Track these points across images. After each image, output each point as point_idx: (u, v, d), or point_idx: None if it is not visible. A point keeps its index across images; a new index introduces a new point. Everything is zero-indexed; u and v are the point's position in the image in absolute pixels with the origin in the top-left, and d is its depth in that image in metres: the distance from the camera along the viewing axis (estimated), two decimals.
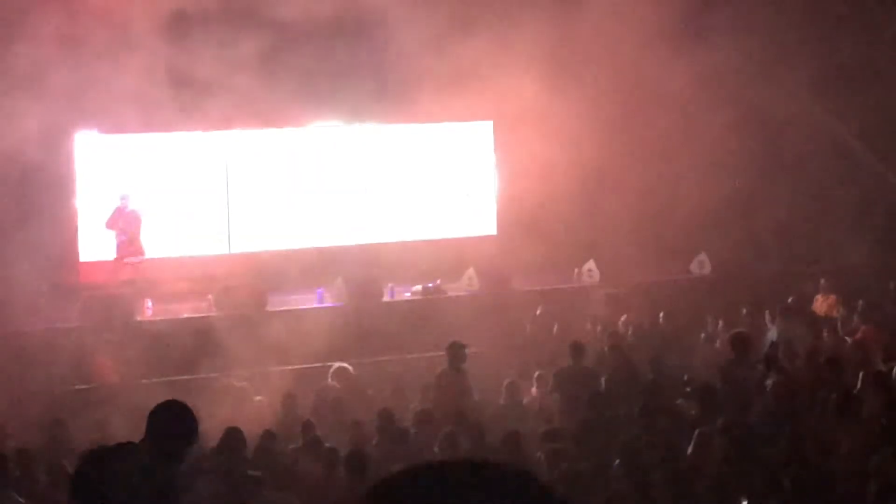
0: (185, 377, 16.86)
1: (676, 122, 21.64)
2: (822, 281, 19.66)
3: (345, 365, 15.66)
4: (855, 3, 23.68)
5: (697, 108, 21.19)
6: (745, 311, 17.90)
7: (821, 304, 19.24)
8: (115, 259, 19.65)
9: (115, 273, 19.79)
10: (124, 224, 19.58)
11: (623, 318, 17.97)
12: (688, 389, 13.45)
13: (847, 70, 22.99)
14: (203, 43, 19.04)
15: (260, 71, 19.62)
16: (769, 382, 12.39)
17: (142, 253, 19.79)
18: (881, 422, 11.13)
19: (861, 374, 12.39)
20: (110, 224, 19.67)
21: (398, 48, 20.71)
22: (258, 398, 14.91)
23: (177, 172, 21.73)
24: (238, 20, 19.65)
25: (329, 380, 15.29)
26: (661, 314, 17.88)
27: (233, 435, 10.96)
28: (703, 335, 17.22)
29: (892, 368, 12.88)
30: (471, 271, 20.98)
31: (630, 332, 17.25)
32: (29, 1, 18.61)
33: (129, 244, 19.56)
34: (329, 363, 16.06)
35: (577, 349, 14.67)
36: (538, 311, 18.93)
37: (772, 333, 16.36)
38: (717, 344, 16.46)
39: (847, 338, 16.28)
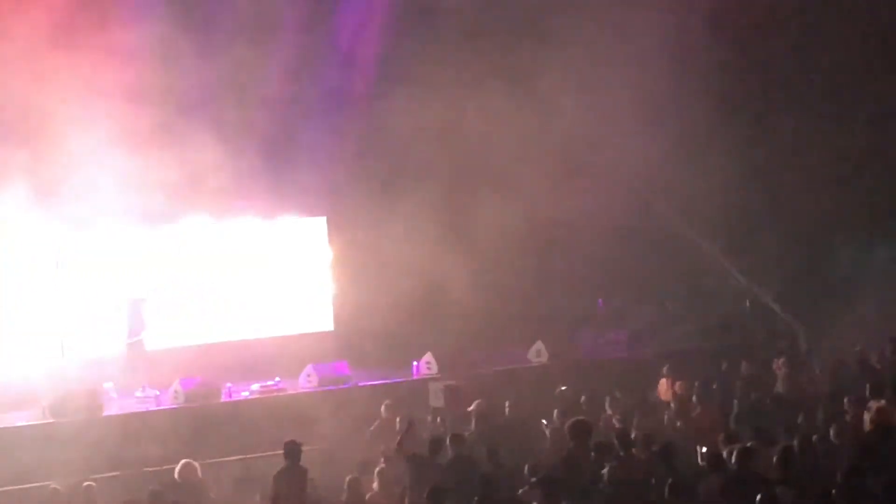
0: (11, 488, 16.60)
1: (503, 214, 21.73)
2: (666, 367, 19.70)
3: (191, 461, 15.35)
4: None
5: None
6: (583, 398, 18.04)
7: (666, 388, 19.27)
8: None
9: None
10: None
11: (465, 409, 17.93)
12: (532, 479, 13.43)
13: None
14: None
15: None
16: (606, 470, 12.48)
17: None
18: None
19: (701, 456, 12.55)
20: None
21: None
22: None
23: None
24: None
25: (176, 476, 14.91)
26: (507, 404, 17.88)
27: None
28: (545, 423, 17.21)
29: (731, 450, 12.96)
30: (309, 368, 20.84)
31: (472, 423, 17.21)
32: None
33: None
34: (167, 466, 15.76)
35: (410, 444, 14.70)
36: (384, 405, 18.67)
37: (612, 419, 16.52)
38: (559, 432, 16.46)
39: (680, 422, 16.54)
